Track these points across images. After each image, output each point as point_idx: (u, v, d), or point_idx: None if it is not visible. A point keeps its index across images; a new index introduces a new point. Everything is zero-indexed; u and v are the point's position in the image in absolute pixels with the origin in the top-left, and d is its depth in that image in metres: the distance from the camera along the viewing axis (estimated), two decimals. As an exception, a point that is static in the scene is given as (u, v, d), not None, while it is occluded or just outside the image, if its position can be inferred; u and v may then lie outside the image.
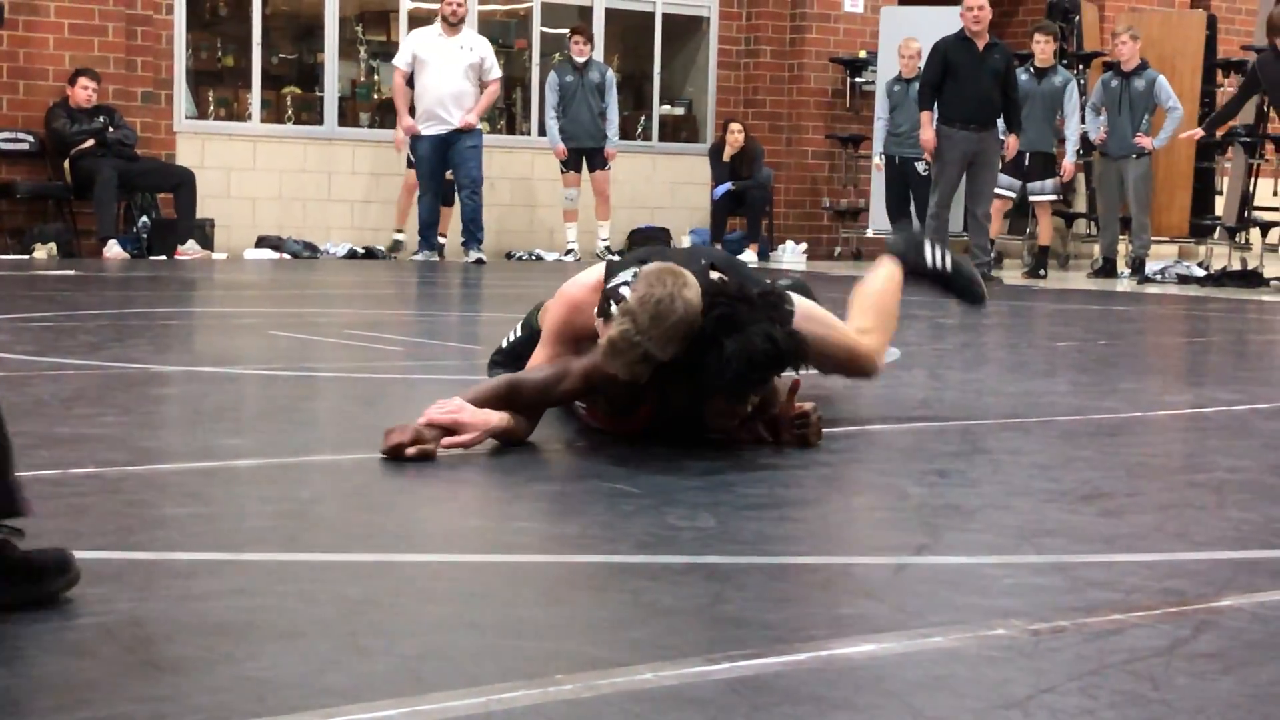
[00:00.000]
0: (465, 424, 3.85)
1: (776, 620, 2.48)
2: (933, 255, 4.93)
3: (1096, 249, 14.53)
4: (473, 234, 13.63)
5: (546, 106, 14.69)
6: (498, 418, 3.92)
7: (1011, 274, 13.91)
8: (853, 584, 2.78)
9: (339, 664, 2.20)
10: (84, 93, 13.12)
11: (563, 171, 14.77)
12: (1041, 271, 13.78)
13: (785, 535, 3.16)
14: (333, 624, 2.42)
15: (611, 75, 14.98)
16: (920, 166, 14.27)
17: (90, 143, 13.08)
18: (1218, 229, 15.16)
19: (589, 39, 14.79)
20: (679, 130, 17.17)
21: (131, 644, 2.27)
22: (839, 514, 3.45)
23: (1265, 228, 14.96)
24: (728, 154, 15.59)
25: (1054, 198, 14.17)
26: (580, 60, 14.71)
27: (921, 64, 13.91)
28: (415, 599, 2.58)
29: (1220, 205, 15.51)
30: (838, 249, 16.83)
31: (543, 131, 15.06)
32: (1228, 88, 16.22)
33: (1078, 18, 16.54)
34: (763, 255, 15.69)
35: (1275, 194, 16.35)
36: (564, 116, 14.65)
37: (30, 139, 13.39)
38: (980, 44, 12.65)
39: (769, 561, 2.90)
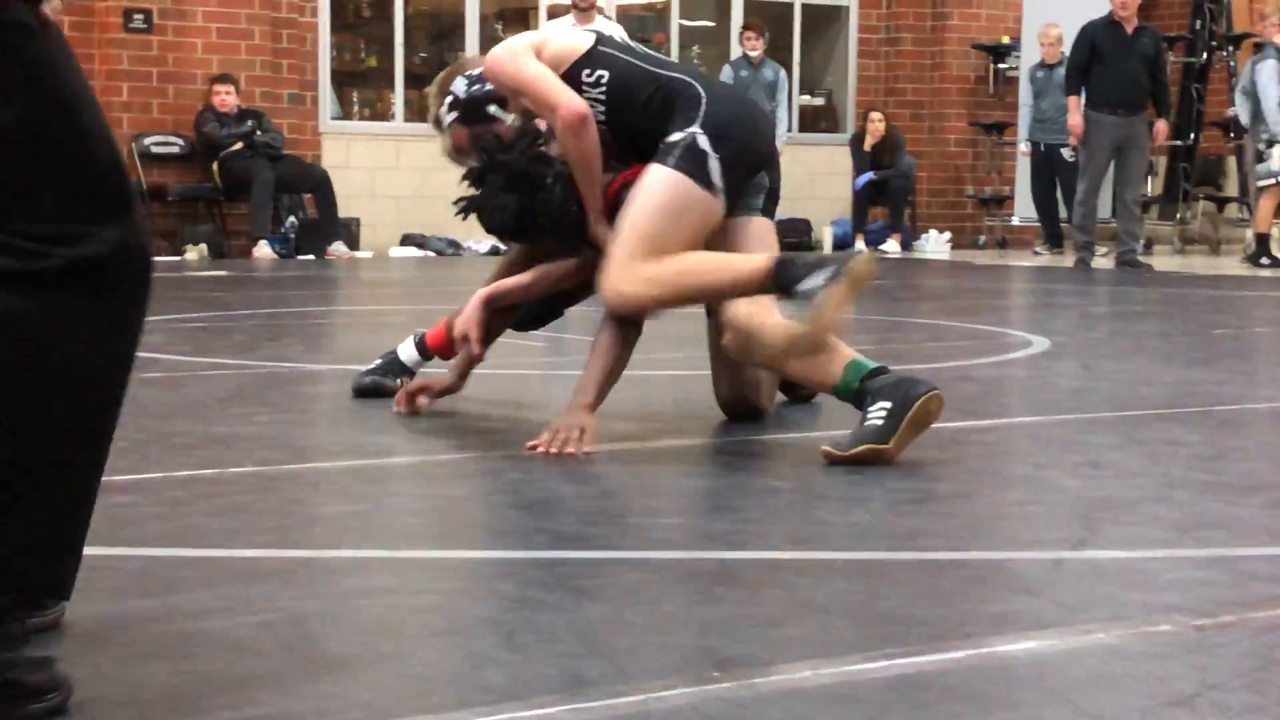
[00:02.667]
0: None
1: (934, 617, 2.46)
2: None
3: (1248, 233, 14.26)
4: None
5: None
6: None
7: (1161, 260, 13.69)
8: (1010, 580, 2.75)
9: (497, 661, 2.21)
10: (225, 98, 13.32)
11: None
12: (1264, 260, 13.13)
13: (939, 530, 3.13)
14: (489, 621, 2.44)
15: (784, 75, 14.97)
16: (1066, 153, 14.10)
17: (239, 145, 13.28)
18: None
19: (761, 34, 14.74)
20: (819, 120, 17.10)
21: (293, 641, 2.30)
22: (993, 508, 3.41)
23: None
24: (869, 143, 15.52)
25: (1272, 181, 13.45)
26: (754, 56, 14.71)
27: (1065, 50, 13.75)
28: (569, 595, 2.58)
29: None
30: (982, 238, 16.66)
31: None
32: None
33: (1228, -1, 16.26)
34: (905, 245, 15.59)
35: None
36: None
37: (180, 142, 13.61)
38: (1129, 28, 12.48)
39: (924, 557, 2.88)
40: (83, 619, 2.39)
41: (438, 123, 4.36)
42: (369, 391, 4.70)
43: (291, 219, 13.58)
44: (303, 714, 1.99)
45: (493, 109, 4.25)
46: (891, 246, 15.37)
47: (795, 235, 15.85)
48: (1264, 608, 2.52)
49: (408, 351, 4.76)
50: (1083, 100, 12.56)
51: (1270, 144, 13.15)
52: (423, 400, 4.47)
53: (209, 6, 13.59)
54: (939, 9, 16.76)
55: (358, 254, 13.64)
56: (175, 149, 13.62)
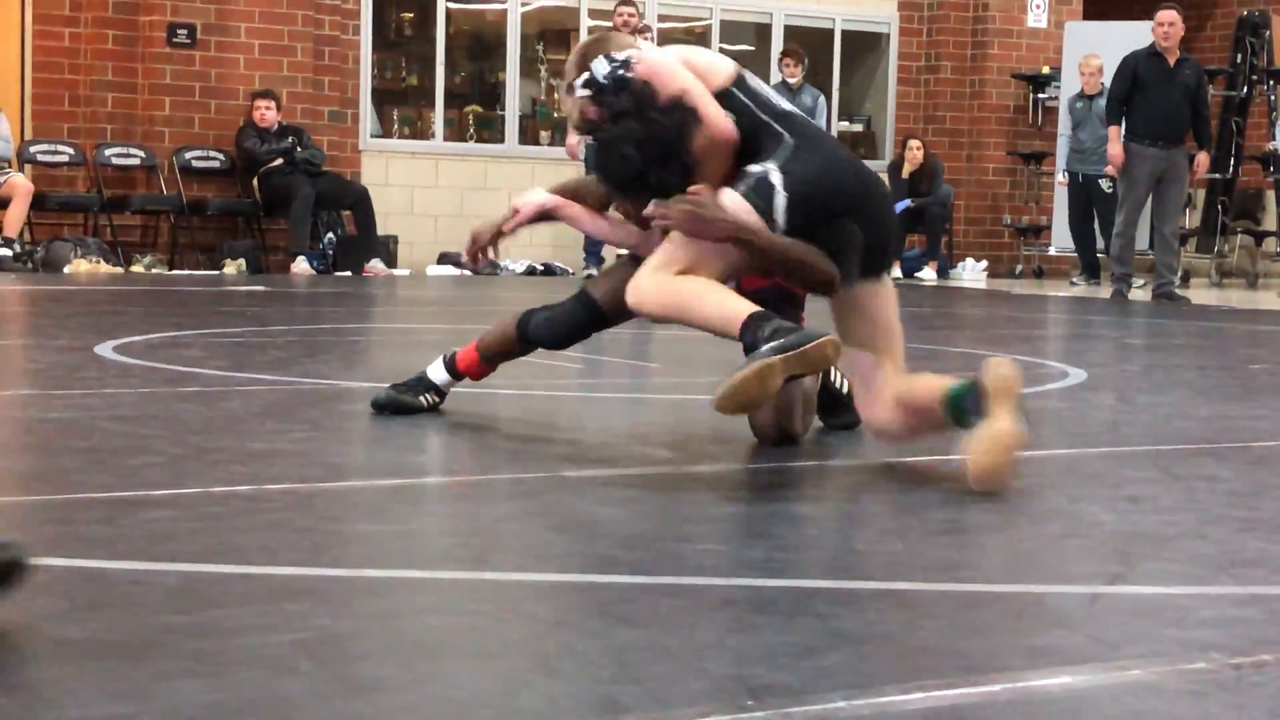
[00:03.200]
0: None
1: (969, 649, 2.45)
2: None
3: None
4: None
5: None
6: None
7: (1199, 293, 13.65)
8: (1046, 614, 2.73)
9: (532, 685, 2.21)
10: (265, 113, 13.38)
11: None
12: None
13: (974, 562, 3.12)
14: (525, 644, 2.44)
15: (823, 101, 14.99)
16: (1104, 184, 14.09)
17: (279, 161, 13.34)
18: None
19: (800, 61, 14.76)
20: (857, 146, 17.10)
21: (329, 661, 2.30)
22: (1029, 541, 3.40)
23: None
24: (907, 170, 15.52)
25: None
26: (793, 82, 14.74)
27: (1105, 80, 13.73)
28: (605, 620, 2.58)
29: None
30: (1019, 267, 16.64)
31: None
32: None
33: (1268, 32, 16.22)
34: (942, 273, 15.58)
35: None
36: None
37: (221, 157, 13.68)
38: (1171, 59, 12.46)
39: (959, 589, 2.86)
40: (121, 633, 2.40)
41: (570, 89, 4.31)
42: (384, 406, 4.73)
43: (330, 235, 13.63)
44: (338, 734, 2.00)
45: (627, 100, 4.17)
46: (928, 274, 15.36)
47: (831, 261, 15.85)
48: (1302, 647, 2.51)
49: (437, 371, 4.76)
50: (1123, 131, 12.53)
51: None
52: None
53: (252, 23, 13.67)
54: (979, 37, 16.76)
55: (395, 272, 13.68)
56: (216, 164, 13.70)
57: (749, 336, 3.73)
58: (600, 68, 4.17)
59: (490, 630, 2.50)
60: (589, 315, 4.54)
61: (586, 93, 4.19)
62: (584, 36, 15.09)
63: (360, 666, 2.28)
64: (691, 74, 4.09)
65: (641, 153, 4.00)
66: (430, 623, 2.55)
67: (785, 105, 4.19)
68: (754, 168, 3.97)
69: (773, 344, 3.65)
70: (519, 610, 2.63)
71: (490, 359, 4.71)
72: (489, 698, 2.17)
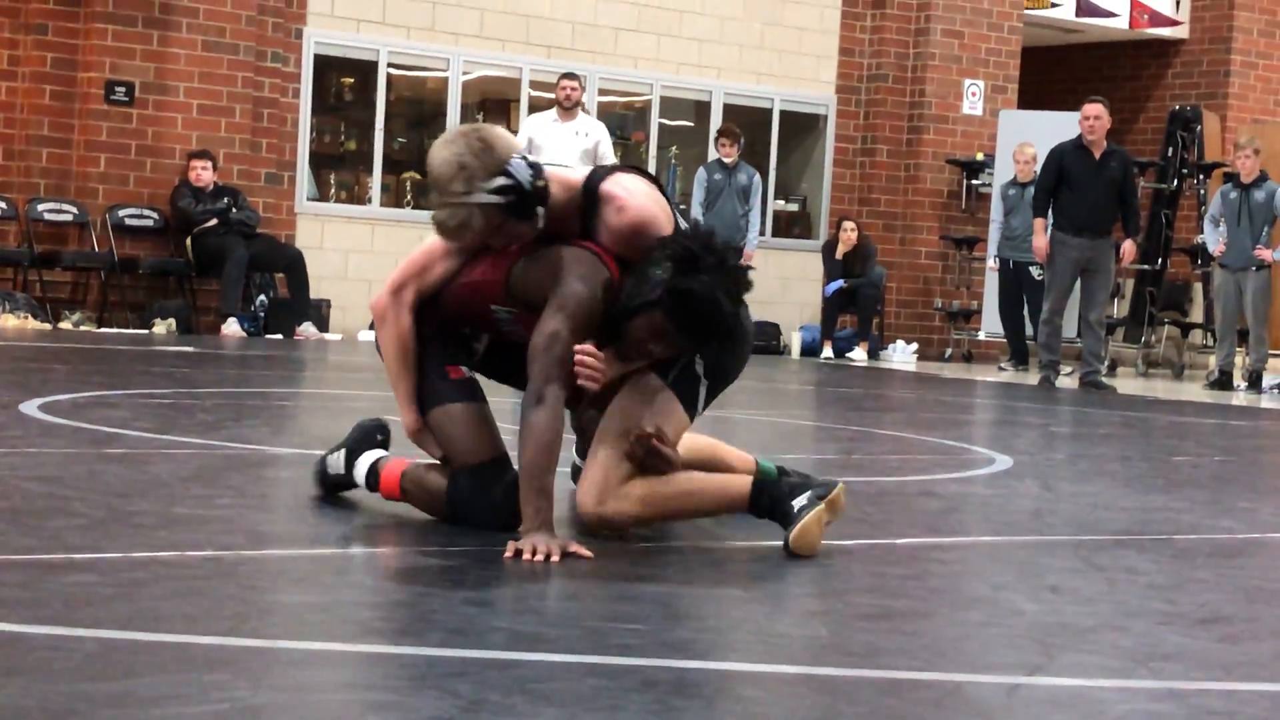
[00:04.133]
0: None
1: (889, 738, 2.46)
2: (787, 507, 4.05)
3: (1212, 360, 14.37)
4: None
5: (693, 203, 14.76)
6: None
7: (1125, 382, 13.78)
8: (966, 704, 2.74)
9: (451, 764, 2.20)
10: (201, 173, 13.36)
11: None
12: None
13: (897, 648, 3.13)
14: (454, 718, 2.42)
15: (758, 179, 15.10)
16: (1035, 271, 14.22)
17: (214, 222, 13.30)
18: (1337, 344, 14.96)
19: (735, 141, 14.86)
20: (792, 225, 17.22)
21: (247, 734, 2.28)
22: (951, 628, 3.41)
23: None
24: (841, 251, 15.63)
25: None
26: (728, 161, 14.84)
27: (1038, 168, 13.88)
28: (527, 699, 2.57)
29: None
30: (948, 350, 16.75)
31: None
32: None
33: (1199, 127, 16.46)
34: (872, 354, 15.66)
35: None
36: (708, 214, 14.77)
37: (155, 215, 13.63)
38: (1097, 152, 12.58)
39: (881, 675, 2.87)
40: (36, 699, 2.36)
41: (464, 186, 3.85)
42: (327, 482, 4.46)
43: (262, 298, 13.59)
44: (253, 809, 1.98)
45: (540, 211, 3.93)
46: (859, 354, 15.45)
47: (764, 338, 15.94)
48: (1217, 744, 2.53)
49: (357, 472, 4.39)
50: (1050, 222, 12.66)
51: None
52: None
53: (191, 82, 13.66)
54: (915, 122, 16.93)
55: (326, 336, 13.65)
56: (149, 222, 13.64)
57: (768, 502, 3.97)
58: (521, 170, 3.87)
59: (410, 706, 2.48)
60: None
61: (498, 199, 3.85)
62: (524, 107, 15.20)
63: (278, 741, 2.27)
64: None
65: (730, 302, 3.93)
66: (350, 698, 2.53)
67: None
68: (676, 362, 4.02)
69: (809, 494, 3.93)
70: (440, 686, 2.61)
71: (411, 498, 4.29)
72: (407, 776, 2.16)
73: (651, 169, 15.71)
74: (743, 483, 4.01)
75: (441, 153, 3.89)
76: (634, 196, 3.98)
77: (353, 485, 4.39)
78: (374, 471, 4.32)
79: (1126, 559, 4.38)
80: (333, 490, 4.45)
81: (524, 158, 3.90)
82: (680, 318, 3.84)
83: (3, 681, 2.46)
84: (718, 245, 3.90)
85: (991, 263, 15.35)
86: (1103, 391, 12.34)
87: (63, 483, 4.56)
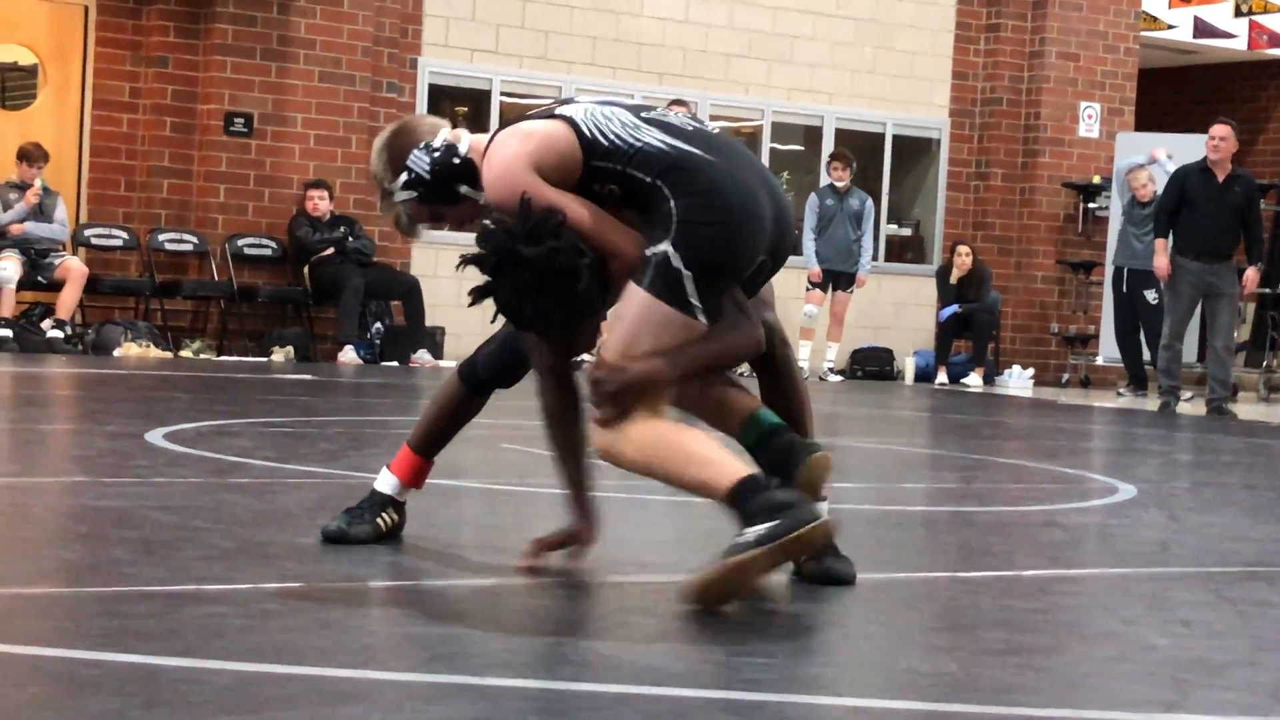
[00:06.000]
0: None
1: (1026, 777, 2.43)
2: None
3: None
4: None
5: (805, 228, 14.71)
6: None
7: (1246, 408, 13.58)
8: (1102, 741, 2.72)
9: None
10: (318, 203, 13.50)
11: (808, 289, 14.80)
12: None
13: (1027, 685, 3.09)
14: None
15: (870, 204, 15.06)
16: (1150, 295, 14.07)
17: (331, 250, 13.44)
18: None
19: (848, 165, 14.83)
20: (905, 250, 17.14)
21: (383, 769, 2.30)
22: (1082, 664, 3.37)
23: None
24: (955, 276, 15.53)
25: None
26: (840, 186, 14.82)
27: (1157, 189, 13.74)
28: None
29: None
30: (1065, 376, 16.58)
31: (795, 252, 15.12)
32: None
33: (1320, 148, 16.22)
34: (988, 379, 15.55)
35: None
36: (820, 239, 14.75)
37: (273, 245, 13.79)
38: (1221, 175, 12.42)
39: (1013, 713, 2.84)
40: (175, 734, 2.40)
41: (383, 190, 3.97)
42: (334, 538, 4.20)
43: (378, 325, 13.70)
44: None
45: (464, 189, 3.89)
46: (974, 380, 15.34)
47: (877, 364, 15.87)
48: (1361, 785, 2.48)
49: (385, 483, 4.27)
50: (1170, 243, 12.51)
51: None
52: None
53: (308, 113, 13.81)
54: (1030, 145, 16.81)
55: (441, 363, 13.71)
56: (267, 251, 13.80)
57: (743, 510, 3.52)
58: (419, 161, 3.90)
59: (543, 742, 2.49)
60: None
61: (410, 194, 3.91)
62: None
63: (415, 776, 2.28)
64: (537, 180, 3.73)
65: (550, 290, 3.69)
66: (483, 732, 2.55)
67: (645, 135, 3.77)
68: (651, 250, 3.68)
69: (759, 531, 3.44)
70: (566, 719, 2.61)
71: (432, 446, 4.26)
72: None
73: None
74: (729, 476, 3.56)
75: (371, 160, 4.03)
76: (490, 170, 3.80)
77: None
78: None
79: (1258, 591, 4.32)
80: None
81: (425, 145, 3.90)
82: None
83: (141, 714, 2.49)
84: (531, 230, 3.67)
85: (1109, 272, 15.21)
86: (1225, 418, 12.16)
87: (190, 513, 4.60)
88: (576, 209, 3.73)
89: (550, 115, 3.85)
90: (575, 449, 4.05)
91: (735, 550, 3.47)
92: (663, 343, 3.69)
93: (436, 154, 3.90)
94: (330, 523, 4.21)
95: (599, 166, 3.76)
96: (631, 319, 3.70)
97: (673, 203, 3.68)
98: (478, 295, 3.81)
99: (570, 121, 3.78)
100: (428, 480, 4.29)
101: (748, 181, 3.78)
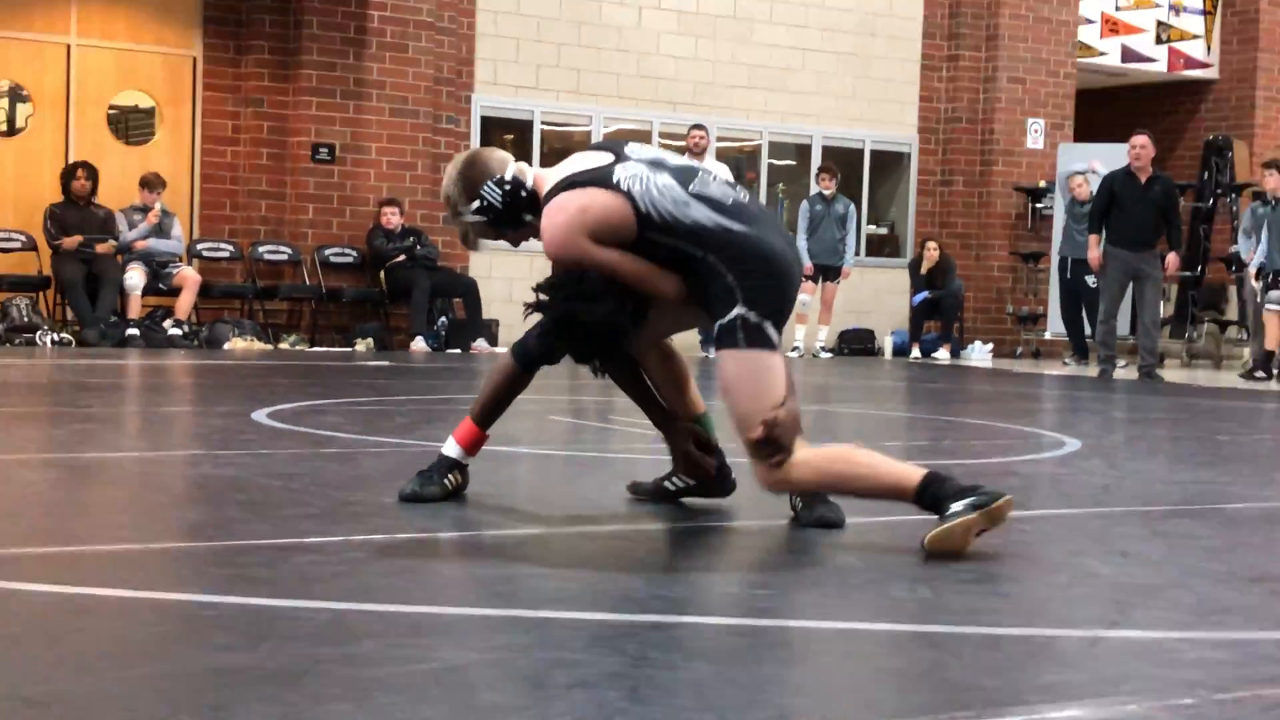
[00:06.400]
0: None
1: (992, 685, 2.42)
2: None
3: (1246, 352, 14.07)
4: (708, 333, 13.70)
5: (799, 229, 14.76)
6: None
7: (1171, 373, 13.52)
8: (1055, 654, 2.71)
9: (625, 712, 2.19)
10: (390, 218, 13.52)
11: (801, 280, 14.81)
12: (1259, 374, 12.93)
13: (993, 608, 3.09)
14: (617, 677, 2.39)
15: (853, 208, 15.04)
16: (1090, 280, 14.01)
17: (401, 258, 13.45)
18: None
19: (833, 176, 14.82)
20: (883, 247, 17.09)
21: (455, 689, 2.30)
22: (1039, 590, 3.37)
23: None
24: (925, 267, 15.50)
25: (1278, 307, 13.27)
26: (827, 193, 14.82)
27: (1092, 190, 13.69)
28: (683, 657, 2.57)
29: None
30: (1019, 349, 16.54)
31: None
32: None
33: (1230, 153, 16.15)
34: (954, 353, 15.53)
35: None
36: (811, 238, 14.77)
37: (354, 253, 13.80)
38: (1143, 177, 12.39)
39: (981, 632, 2.84)
40: (281, 662, 2.40)
41: (454, 209, 3.97)
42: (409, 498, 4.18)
43: (443, 319, 13.71)
44: (465, 753, 1.99)
45: (527, 217, 3.90)
46: (942, 354, 15.31)
47: (861, 343, 15.84)
48: (1273, 686, 2.47)
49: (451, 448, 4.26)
50: (1102, 238, 12.50)
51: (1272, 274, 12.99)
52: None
53: (381, 143, 13.81)
54: (986, 156, 16.75)
55: (497, 349, 13.72)
56: (349, 259, 13.81)
57: (938, 496, 3.59)
58: (492, 193, 3.88)
59: (588, 664, 2.49)
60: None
61: (480, 218, 3.92)
62: (655, 142, 15.19)
63: (481, 694, 2.28)
64: (589, 245, 3.72)
65: (599, 344, 3.76)
66: (537, 656, 2.55)
67: (693, 212, 3.73)
68: (730, 316, 3.70)
69: (969, 502, 3.54)
70: (613, 646, 2.61)
71: (488, 418, 4.24)
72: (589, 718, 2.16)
73: (762, 203, 15.69)
74: (913, 473, 3.67)
75: (444, 183, 4.02)
76: (547, 232, 3.78)
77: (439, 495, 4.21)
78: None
79: (1185, 526, 4.31)
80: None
81: (499, 180, 3.89)
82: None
83: (253, 647, 2.50)
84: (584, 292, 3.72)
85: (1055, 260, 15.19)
86: (1154, 381, 12.12)
87: (290, 478, 4.61)
88: (624, 264, 3.76)
89: (610, 181, 3.78)
90: (681, 381, 4.20)
91: (956, 515, 3.53)
92: (775, 380, 3.71)
93: (507, 188, 3.89)
94: (405, 485, 4.21)
95: (652, 238, 3.76)
96: (749, 376, 3.71)
97: (730, 277, 3.73)
98: (553, 347, 3.88)
99: (629, 197, 3.75)
100: (487, 446, 4.30)
101: (776, 242, 3.84)
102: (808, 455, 3.70)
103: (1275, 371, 12.89)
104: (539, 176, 3.97)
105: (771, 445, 3.65)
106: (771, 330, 3.75)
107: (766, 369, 3.72)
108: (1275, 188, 13.25)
